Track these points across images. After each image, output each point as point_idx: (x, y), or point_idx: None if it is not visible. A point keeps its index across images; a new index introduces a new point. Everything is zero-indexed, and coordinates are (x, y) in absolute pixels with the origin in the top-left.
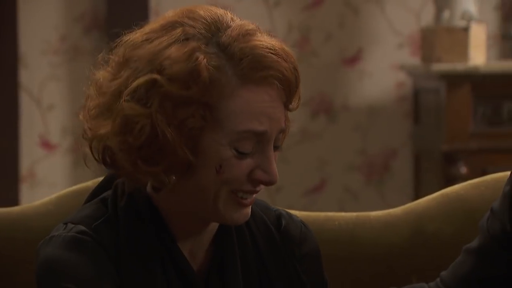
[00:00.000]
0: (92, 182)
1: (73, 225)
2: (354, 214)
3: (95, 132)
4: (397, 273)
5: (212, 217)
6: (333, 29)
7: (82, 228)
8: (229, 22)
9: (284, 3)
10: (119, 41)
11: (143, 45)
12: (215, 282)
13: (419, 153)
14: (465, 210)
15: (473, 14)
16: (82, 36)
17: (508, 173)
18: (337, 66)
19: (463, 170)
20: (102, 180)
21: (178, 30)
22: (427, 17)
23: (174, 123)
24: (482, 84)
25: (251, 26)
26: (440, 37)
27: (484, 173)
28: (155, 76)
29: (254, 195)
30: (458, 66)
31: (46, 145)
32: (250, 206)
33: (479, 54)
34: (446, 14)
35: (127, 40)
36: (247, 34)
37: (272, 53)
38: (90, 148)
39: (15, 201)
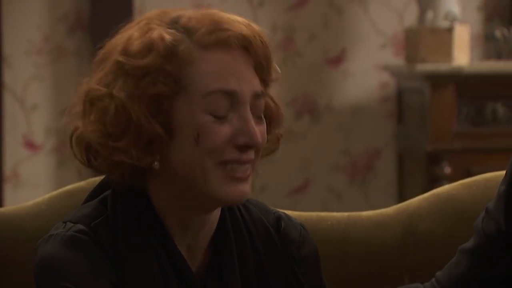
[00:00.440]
0: (86, 183)
1: (72, 224)
2: (346, 214)
3: (74, 133)
4: (389, 273)
5: (208, 199)
6: (317, 30)
7: (81, 227)
8: (191, 12)
9: (268, 4)
10: (100, 48)
11: (112, 43)
12: (213, 283)
13: (403, 153)
14: (456, 210)
15: (457, 15)
16: (66, 36)
17: (501, 172)
18: (321, 66)
19: (447, 170)
20: (102, 180)
21: (142, 22)
22: (410, 17)
23: (136, 95)
24: (466, 85)
25: (214, 10)
26: (424, 37)
27: (468, 173)
28: (118, 57)
29: (247, 169)
30: (442, 67)
31: (30, 145)
32: (247, 183)
33: (462, 55)
34: (429, 14)
35: (105, 46)
36: (206, 13)
37: (230, 19)
38: (74, 153)
39: None
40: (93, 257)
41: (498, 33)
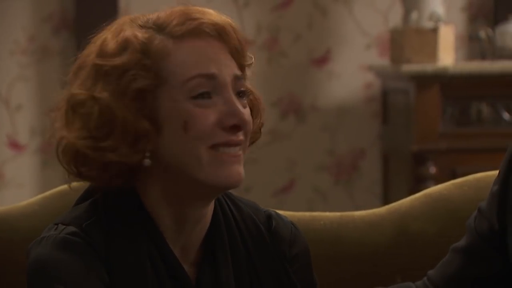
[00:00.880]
0: (77, 183)
1: (64, 226)
2: (338, 214)
3: (59, 142)
4: (382, 272)
5: (205, 186)
6: (301, 30)
7: (73, 229)
8: (160, 12)
9: (253, 4)
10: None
11: (87, 52)
12: (207, 280)
13: (388, 153)
14: (448, 210)
15: (441, 15)
16: (51, 36)
17: (492, 172)
18: (305, 66)
19: (433, 170)
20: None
21: (113, 28)
22: (395, 18)
23: (118, 92)
24: (451, 85)
25: (181, 6)
26: (409, 38)
27: (453, 173)
28: (95, 60)
29: (238, 151)
30: (427, 67)
31: (14, 145)
32: (240, 165)
33: (447, 55)
34: (414, 15)
35: (78, 58)
36: (175, 9)
37: (199, 10)
38: (61, 163)
39: None
40: (85, 258)
41: (482, 34)
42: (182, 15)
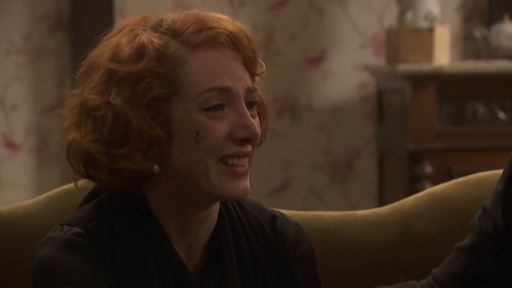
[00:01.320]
0: (81, 182)
1: (69, 227)
2: (342, 213)
3: (70, 144)
4: (385, 271)
5: (211, 196)
6: (297, 30)
7: (78, 230)
8: (173, 15)
9: (249, 4)
10: (82, 61)
11: (98, 54)
12: (212, 281)
13: (383, 153)
14: (451, 209)
15: (436, 15)
16: (46, 36)
17: (494, 171)
18: (301, 66)
19: (428, 169)
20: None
21: (126, 29)
22: (390, 18)
23: (134, 100)
24: (447, 85)
25: (195, 10)
26: (405, 37)
27: (449, 172)
28: (109, 65)
29: (246, 163)
30: (423, 67)
31: (10, 145)
32: (247, 179)
33: (443, 55)
34: (409, 15)
35: (87, 58)
36: (188, 14)
37: (215, 17)
38: (71, 165)
39: None
40: (90, 259)
41: (477, 33)
42: (198, 23)
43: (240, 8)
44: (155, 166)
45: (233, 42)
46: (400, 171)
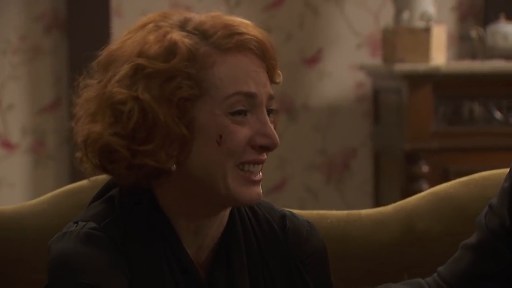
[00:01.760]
0: (87, 181)
1: (84, 223)
2: (346, 212)
3: (88, 137)
4: (388, 270)
5: (224, 200)
6: (293, 29)
7: (94, 225)
8: (195, 15)
9: (245, 3)
10: (100, 53)
11: (120, 48)
12: (220, 281)
13: (379, 153)
14: (454, 208)
15: (432, 15)
16: (42, 36)
17: (497, 170)
18: (297, 66)
19: (425, 169)
20: (109, 180)
21: (150, 25)
22: (386, 17)
23: (163, 98)
24: (443, 84)
25: (217, 12)
26: (402, 37)
27: (445, 171)
28: (137, 60)
29: (260, 171)
30: (420, 67)
31: (6, 145)
32: (260, 185)
33: (440, 55)
34: (405, 14)
35: (104, 53)
36: (214, 16)
37: (242, 23)
38: (87, 156)
39: None
40: (109, 252)
41: (473, 33)
42: (228, 27)
43: (236, 7)
44: (173, 165)
45: (261, 49)
46: (396, 170)
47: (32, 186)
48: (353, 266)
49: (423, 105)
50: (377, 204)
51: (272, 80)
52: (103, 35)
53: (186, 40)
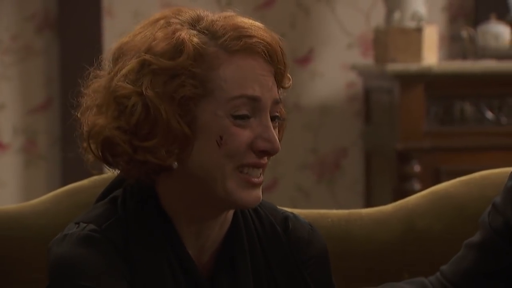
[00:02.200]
0: (89, 181)
1: (85, 224)
2: (346, 211)
3: (92, 128)
4: (389, 269)
5: (223, 202)
6: (284, 29)
7: (94, 227)
8: (209, 14)
9: (236, 3)
10: (111, 48)
11: (130, 42)
12: (223, 282)
13: (370, 152)
14: (454, 207)
15: (423, 15)
16: (34, 36)
17: (497, 170)
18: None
19: (417, 168)
20: (113, 180)
21: (161, 22)
22: (377, 17)
23: (166, 95)
24: (435, 84)
25: (231, 12)
26: (393, 37)
27: (437, 171)
28: (144, 56)
29: (261, 174)
30: (412, 67)
31: None
32: (260, 189)
33: (431, 55)
34: (397, 15)
35: (116, 45)
36: (227, 16)
37: (253, 26)
38: (90, 148)
39: None
40: (109, 255)
41: (464, 33)
42: (238, 29)
43: (228, 7)
44: (174, 163)
45: (269, 53)
46: (388, 170)
47: (23, 186)
48: (354, 265)
49: (415, 105)
50: (368, 203)
51: (280, 85)
52: (95, 35)
53: (195, 39)
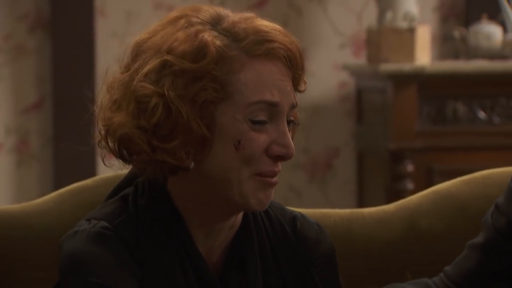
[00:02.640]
0: (92, 180)
1: (96, 221)
2: (349, 210)
3: (110, 124)
4: (391, 268)
5: (237, 204)
6: None
7: (105, 224)
8: (229, 13)
9: (229, 3)
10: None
11: (150, 39)
12: (233, 281)
13: (362, 152)
14: (456, 206)
15: (415, 15)
16: (26, 36)
17: (499, 169)
18: None
19: (410, 168)
20: (124, 178)
21: (182, 21)
22: (369, 18)
23: (187, 98)
24: (428, 84)
25: (250, 13)
26: (386, 37)
27: (430, 170)
28: (165, 57)
29: (276, 176)
30: (405, 67)
31: None
32: (273, 190)
33: (424, 55)
34: (389, 15)
35: (134, 41)
36: (248, 18)
37: (274, 30)
38: (107, 144)
39: None
40: (119, 252)
41: (456, 33)
42: (259, 33)
43: (221, 6)
44: (192, 163)
45: (289, 58)
46: (380, 169)
47: (15, 186)
48: (356, 264)
49: (408, 105)
50: (361, 203)
51: (296, 89)
52: (87, 35)
53: (217, 42)
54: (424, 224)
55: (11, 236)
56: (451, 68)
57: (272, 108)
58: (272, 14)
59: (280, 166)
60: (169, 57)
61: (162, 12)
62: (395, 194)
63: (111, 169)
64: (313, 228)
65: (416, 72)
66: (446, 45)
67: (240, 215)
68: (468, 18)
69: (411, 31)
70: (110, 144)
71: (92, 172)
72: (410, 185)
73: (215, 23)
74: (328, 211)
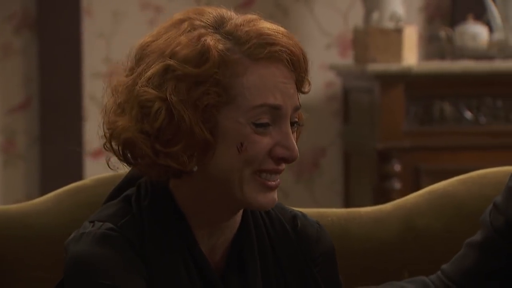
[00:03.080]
0: (90, 180)
1: (101, 223)
2: (345, 210)
3: (114, 128)
4: (389, 267)
5: (239, 204)
6: None
7: (110, 225)
8: (232, 15)
9: (215, 3)
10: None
11: (153, 43)
12: (234, 280)
13: (349, 152)
14: (453, 206)
15: (401, 16)
16: (12, 36)
17: (495, 169)
18: None
19: (397, 167)
20: (124, 178)
21: (185, 24)
22: (355, 18)
23: (189, 102)
24: (414, 84)
25: (253, 15)
26: (373, 38)
27: (417, 170)
28: (168, 61)
29: (278, 178)
30: (392, 67)
31: None
32: (276, 191)
33: (411, 55)
34: (375, 15)
35: (138, 44)
36: (251, 21)
37: (276, 32)
38: (111, 147)
39: None
40: (126, 253)
41: (442, 34)
42: (262, 36)
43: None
44: (195, 167)
45: (293, 61)
46: (367, 169)
47: (1, 186)
48: (353, 263)
49: (395, 105)
50: (347, 203)
51: (300, 90)
52: (74, 35)
53: (220, 46)
54: (421, 223)
55: (10, 236)
56: (437, 69)
57: (275, 111)
58: (259, 14)
59: (284, 165)
60: (171, 62)
61: (149, 12)
62: (382, 194)
63: (98, 170)
64: (313, 227)
65: (403, 72)
66: (432, 45)
67: (240, 214)
68: (454, 19)
69: (399, 31)
70: (115, 147)
71: (79, 172)
72: (397, 185)
73: (218, 26)
74: (325, 211)
